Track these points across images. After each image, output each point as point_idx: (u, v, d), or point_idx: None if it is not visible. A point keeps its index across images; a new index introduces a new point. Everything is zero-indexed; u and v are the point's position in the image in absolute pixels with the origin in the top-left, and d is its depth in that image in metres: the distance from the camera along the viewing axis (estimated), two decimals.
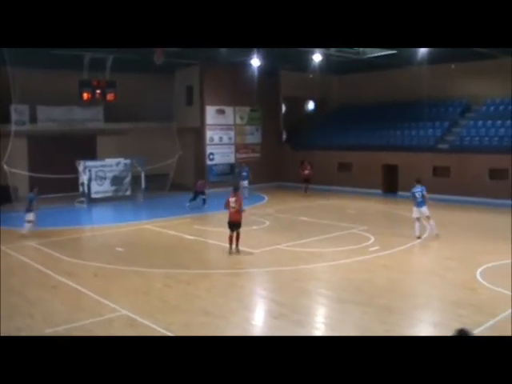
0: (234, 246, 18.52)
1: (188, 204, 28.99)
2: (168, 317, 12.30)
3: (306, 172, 34.82)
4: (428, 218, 20.59)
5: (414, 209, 20.69)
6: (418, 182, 21.01)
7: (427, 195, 20.62)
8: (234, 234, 18.57)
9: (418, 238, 20.23)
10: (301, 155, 40.08)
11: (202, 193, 29.88)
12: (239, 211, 18.65)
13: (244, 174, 34.35)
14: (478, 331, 11.14)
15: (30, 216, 21.40)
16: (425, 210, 20.46)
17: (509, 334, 10.60)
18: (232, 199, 18.61)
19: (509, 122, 32.01)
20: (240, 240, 18.55)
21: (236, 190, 19.26)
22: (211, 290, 14.46)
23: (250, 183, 34.32)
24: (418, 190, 20.61)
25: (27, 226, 21.23)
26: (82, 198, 31.67)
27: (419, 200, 20.46)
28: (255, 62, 32.81)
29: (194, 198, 29.51)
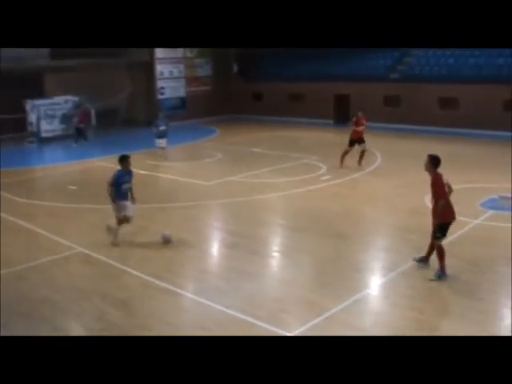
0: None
1: (74, 145, 29.08)
2: (124, 252, 12.44)
3: (360, 129, 21.57)
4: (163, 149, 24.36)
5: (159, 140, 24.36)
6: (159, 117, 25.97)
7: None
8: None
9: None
10: (252, 87, 39.98)
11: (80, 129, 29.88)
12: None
13: (162, 127, 24.68)
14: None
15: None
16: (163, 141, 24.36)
17: (456, 255, 11.07)
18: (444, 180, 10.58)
19: (458, 51, 32.27)
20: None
21: (436, 163, 10.57)
22: (166, 223, 14.57)
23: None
24: (162, 124, 24.59)
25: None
26: (32, 138, 31.15)
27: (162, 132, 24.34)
28: None
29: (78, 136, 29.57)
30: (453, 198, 10.50)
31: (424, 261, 10.97)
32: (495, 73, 29.57)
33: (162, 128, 24.30)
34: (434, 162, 10.50)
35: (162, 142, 24.22)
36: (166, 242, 12.74)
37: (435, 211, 10.47)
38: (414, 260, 11.11)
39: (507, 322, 9.26)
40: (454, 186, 10.61)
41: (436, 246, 10.54)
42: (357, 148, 20.84)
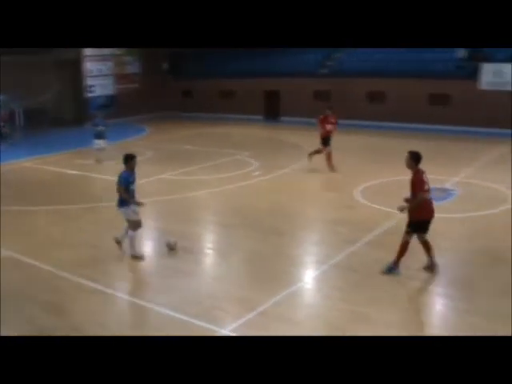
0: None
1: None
2: (55, 253, 12.17)
3: (328, 128, 20.17)
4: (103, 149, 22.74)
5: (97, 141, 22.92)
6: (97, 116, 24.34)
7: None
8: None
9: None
10: (182, 85, 39.83)
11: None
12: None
13: (100, 128, 23.51)
14: (357, 246, 11.87)
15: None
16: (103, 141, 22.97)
17: (385, 246, 11.32)
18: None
19: None
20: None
21: (417, 159, 10.53)
22: (98, 224, 14.38)
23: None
24: (101, 123, 23.26)
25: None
26: None
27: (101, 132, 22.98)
28: None
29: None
30: (384, 190, 10.70)
31: (432, 266, 10.46)
32: (420, 68, 30.30)
33: (100, 128, 23.37)
34: (415, 158, 10.30)
35: (100, 143, 23.16)
36: (171, 248, 12.18)
37: (412, 207, 10.16)
38: (425, 269, 10.51)
39: (438, 308, 9.59)
40: (383, 180, 10.85)
41: (402, 241, 10.30)
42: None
